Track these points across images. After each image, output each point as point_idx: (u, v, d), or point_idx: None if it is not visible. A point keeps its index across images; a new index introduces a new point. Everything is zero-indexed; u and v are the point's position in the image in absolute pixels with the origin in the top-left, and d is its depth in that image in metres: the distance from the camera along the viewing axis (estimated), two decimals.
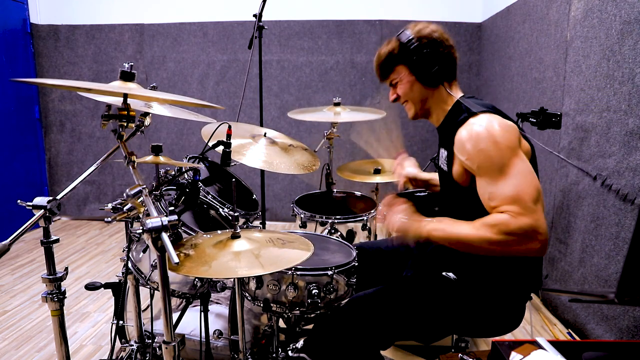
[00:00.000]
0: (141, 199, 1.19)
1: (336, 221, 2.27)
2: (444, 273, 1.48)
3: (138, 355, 1.81)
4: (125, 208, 1.22)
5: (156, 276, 1.47)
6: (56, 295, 1.15)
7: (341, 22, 4.17)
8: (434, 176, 1.84)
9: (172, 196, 1.74)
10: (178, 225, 1.50)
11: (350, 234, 2.51)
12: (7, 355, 2.23)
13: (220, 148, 1.69)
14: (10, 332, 2.44)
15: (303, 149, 2.23)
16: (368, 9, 4.18)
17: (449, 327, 1.51)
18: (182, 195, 1.68)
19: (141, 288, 1.78)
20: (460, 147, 1.33)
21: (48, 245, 1.14)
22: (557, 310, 2.52)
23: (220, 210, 1.81)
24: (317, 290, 1.52)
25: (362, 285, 1.65)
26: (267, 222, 3.48)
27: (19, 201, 1.16)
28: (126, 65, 1.28)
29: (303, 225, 2.36)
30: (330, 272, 1.53)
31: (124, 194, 1.19)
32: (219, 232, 1.49)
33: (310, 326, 1.98)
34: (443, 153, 1.47)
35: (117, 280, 1.88)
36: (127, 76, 1.27)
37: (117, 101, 1.32)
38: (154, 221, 1.01)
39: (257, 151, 2.01)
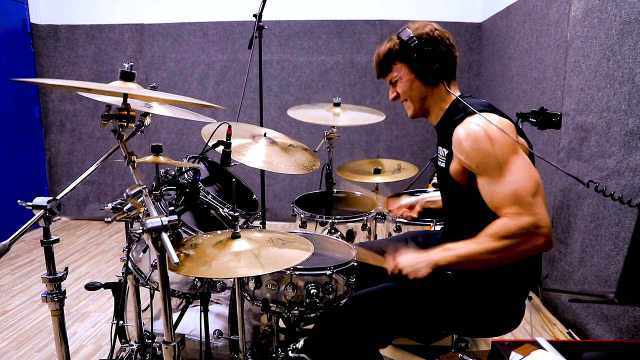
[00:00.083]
0: (141, 199, 1.19)
1: (336, 221, 2.27)
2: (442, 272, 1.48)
3: (138, 355, 1.81)
4: (125, 208, 1.22)
5: (156, 276, 1.47)
6: (56, 295, 1.16)
7: (341, 22, 4.17)
8: (433, 197, 1.88)
9: (172, 196, 1.74)
10: (178, 225, 1.50)
11: (350, 234, 2.51)
12: (7, 355, 2.23)
13: (220, 148, 1.69)
14: (10, 332, 2.44)
15: (303, 149, 2.23)
16: (368, 9, 4.18)
17: (447, 326, 1.51)
18: (182, 195, 1.68)
19: (141, 288, 1.78)
20: (458, 145, 1.33)
21: (48, 245, 1.14)
22: (557, 310, 2.52)
23: (220, 210, 1.81)
24: (315, 290, 1.52)
25: (361, 285, 1.65)
26: (267, 222, 3.48)
27: (19, 201, 1.16)
28: (126, 65, 1.28)
29: (303, 225, 2.36)
30: (329, 272, 1.54)
31: (124, 194, 1.19)
32: (219, 232, 1.49)
33: (310, 326, 1.98)
34: (441, 151, 1.47)
35: (117, 280, 1.88)
36: (127, 76, 1.27)
37: (117, 101, 1.32)
38: (154, 221, 1.01)
39: (257, 151, 2.01)
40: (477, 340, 2.26)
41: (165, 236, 1.01)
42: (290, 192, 4.40)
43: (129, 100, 1.26)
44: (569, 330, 2.36)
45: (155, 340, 1.83)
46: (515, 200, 1.21)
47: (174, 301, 2.10)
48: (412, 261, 1.35)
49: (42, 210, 1.10)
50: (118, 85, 1.25)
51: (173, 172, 1.62)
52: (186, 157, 1.89)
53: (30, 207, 1.11)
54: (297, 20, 4.19)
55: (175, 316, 1.81)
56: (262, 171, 2.81)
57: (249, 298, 1.62)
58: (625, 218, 1.92)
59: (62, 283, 1.17)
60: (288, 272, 1.52)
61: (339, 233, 2.35)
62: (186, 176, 1.71)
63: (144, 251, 1.61)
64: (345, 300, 1.58)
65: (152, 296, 1.73)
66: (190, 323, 1.92)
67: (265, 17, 2.64)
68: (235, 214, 1.38)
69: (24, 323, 2.53)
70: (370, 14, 4.17)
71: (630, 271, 0.79)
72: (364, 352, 1.43)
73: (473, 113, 1.33)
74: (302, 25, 4.20)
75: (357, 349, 1.42)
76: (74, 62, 4.37)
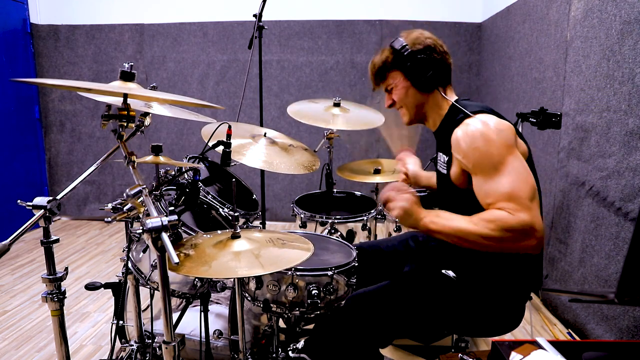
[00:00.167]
0: (141, 199, 1.19)
1: (336, 221, 2.27)
2: (443, 271, 1.48)
3: (138, 355, 1.81)
4: (125, 208, 1.22)
5: (156, 276, 1.47)
6: (56, 295, 1.15)
7: (341, 22, 4.17)
8: (433, 178, 1.84)
9: (172, 196, 1.74)
10: (178, 225, 1.50)
11: (350, 234, 2.51)
12: (7, 355, 2.23)
13: (220, 148, 1.69)
14: (10, 332, 2.44)
15: (303, 149, 2.23)
16: (368, 9, 4.18)
17: (448, 326, 1.51)
18: (182, 195, 1.68)
19: (141, 288, 1.78)
20: (456, 146, 1.33)
21: (48, 245, 1.14)
22: (557, 310, 2.52)
23: (220, 210, 1.81)
24: (317, 291, 1.52)
25: (362, 285, 1.65)
26: (267, 222, 3.48)
27: (19, 201, 1.16)
28: (126, 65, 1.28)
29: (303, 225, 2.36)
30: (330, 273, 1.54)
31: (124, 194, 1.19)
32: (219, 232, 1.49)
33: (311, 326, 1.98)
34: (441, 157, 1.47)
35: (117, 280, 1.88)
36: (127, 76, 1.27)
37: (117, 101, 1.33)
38: (154, 221, 1.01)
39: (257, 151, 2.01)
40: (477, 340, 2.26)
41: (165, 236, 1.01)
42: (290, 192, 4.40)
43: (129, 100, 1.26)
44: (569, 330, 2.36)
45: (155, 340, 1.83)
46: (513, 198, 1.21)
47: (174, 301, 2.10)
48: (404, 212, 1.33)
49: (42, 210, 1.10)
50: (118, 85, 1.25)
51: (173, 172, 1.62)
52: (186, 157, 1.89)
53: (30, 207, 1.11)
54: (297, 20, 4.19)
55: (175, 316, 1.81)
56: (262, 171, 2.81)
57: (249, 298, 1.62)
58: (626, 218, 1.92)
59: (62, 283, 1.17)
60: (289, 272, 1.52)
61: (339, 233, 2.34)
62: (186, 176, 1.71)
63: (144, 251, 1.61)
64: (345, 299, 1.58)
65: (152, 296, 1.73)
66: (190, 323, 1.92)
67: (265, 17, 2.64)
68: (235, 214, 1.38)
69: (24, 323, 2.53)
70: (370, 14, 4.17)
71: (630, 271, 0.79)
72: (364, 352, 1.44)
73: (472, 115, 1.33)
74: (302, 25, 4.20)
75: (358, 348, 1.42)
76: (74, 62, 4.37)
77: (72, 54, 4.36)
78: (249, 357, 1.72)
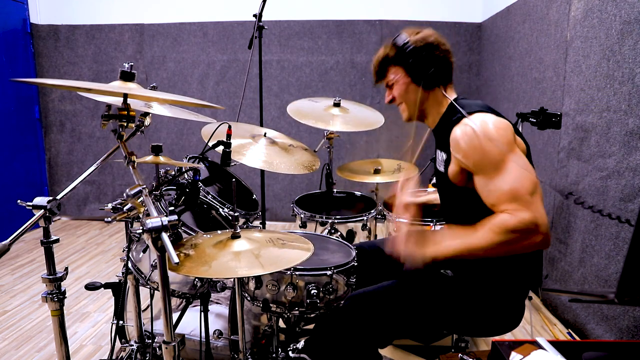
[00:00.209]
0: (141, 199, 1.19)
1: (336, 221, 2.27)
2: (442, 270, 1.48)
3: (138, 355, 1.81)
4: (125, 208, 1.22)
5: (156, 276, 1.47)
6: (56, 295, 1.16)
7: (341, 22, 4.17)
8: (431, 197, 1.88)
9: (172, 196, 1.74)
10: (178, 225, 1.50)
11: (350, 234, 2.51)
12: (7, 355, 2.23)
13: (220, 148, 1.69)
14: (10, 332, 2.44)
15: (303, 149, 2.23)
16: (368, 9, 4.18)
17: (447, 325, 1.51)
18: (182, 195, 1.68)
19: (141, 288, 1.78)
20: (455, 145, 1.34)
21: (48, 245, 1.14)
22: (557, 310, 2.52)
23: (220, 210, 1.81)
24: (316, 291, 1.52)
25: (361, 285, 1.65)
26: (267, 222, 3.48)
27: (19, 201, 1.16)
28: (126, 65, 1.28)
29: (303, 225, 2.36)
30: (329, 272, 1.54)
31: (124, 194, 1.19)
32: (219, 232, 1.49)
33: (311, 326, 1.98)
34: (440, 155, 1.47)
35: (117, 280, 1.88)
36: (127, 76, 1.27)
37: (117, 101, 1.33)
38: (154, 221, 1.01)
39: (257, 151, 2.01)
40: (477, 340, 2.26)
41: (165, 236, 1.01)
42: (290, 192, 4.40)
43: (129, 100, 1.26)
44: (569, 330, 2.36)
45: (155, 340, 1.83)
46: (514, 198, 1.22)
47: (174, 301, 2.10)
48: (409, 253, 1.34)
49: (42, 210, 1.10)
50: (118, 85, 1.25)
51: (173, 172, 1.62)
52: (186, 157, 1.89)
53: (30, 207, 1.11)
54: (297, 20, 4.19)
55: (175, 316, 1.81)
56: (262, 171, 2.81)
57: (249, 298, 1.62)
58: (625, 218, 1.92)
59: (62, 283, 1.17)
60: (288, 272, 1.52)
61: (339, 233, 2.35)
62: (186, 176, 1.71)
63: (144, 251, 1.61)
64: (344, 299, 1.58)
65: (152, 296, 1.73)
66: (190, 323, 1.92)
67: (265, 17, 2.64)
68: (235, 214, 1.38)
69: (24, 323, 2.53)
70: (370, 14, 4.17)
71: (630, 271, 0.79)
72: (363, 352, 1.44)
73: (470, 114, 1.34)
74: (302, 25, 4.20)
75: (356, 348, 1.42)
76: (74, 62, 4.37)
77: (72, 54, 4.36)
78: (249, 357, 1.72)
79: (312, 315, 1.62)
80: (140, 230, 1.18)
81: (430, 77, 1.44)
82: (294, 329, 1.80)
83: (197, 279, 1.63)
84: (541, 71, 2.75)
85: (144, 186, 1.19)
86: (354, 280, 1.62)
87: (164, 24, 4.27)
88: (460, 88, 1.54)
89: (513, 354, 1.22)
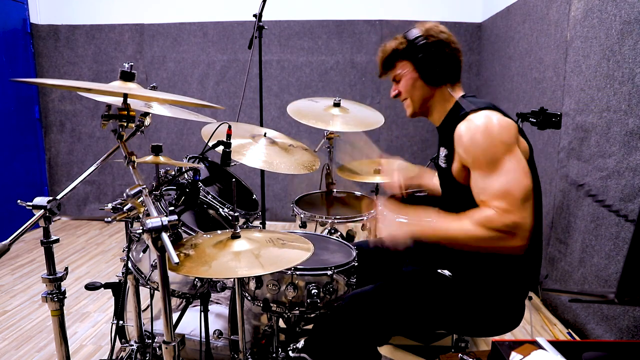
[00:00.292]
0: (141, 199, 1.19)
1: (336, 221, 2.27)
2: (439, 270, 1.48)
3: (138, 355, 1.81)
4: (125, 208, 1.22)
5: (156, 276, 1.47)
6: (56, 295, 1.16)
7: (341, 22, 4.17)
8: (425, 178, 1.86)
9: (172, 196, 1.74)
10: (178, 225, 1.50)
11: (350, 234, 2.51)
12: (7, 355, 2.23)
13: (220, 148, 1.69)
14: (10, 332, 2.44)
15: (303, 149, 2.23)
16: (368, 9, 4.18)
17: (446, 325, 1.51)
18: (182, 195, 1.68)
19: (141, 288, 1.77)
20: (458, 139, 1.34)
21: (48, 245, 1.14)
22: (557, 310, 2.52)
23: (220, 210, 1.81)
24: (316, 290, 1.52)
25: (361, 285, 1.65)
26: (267, 222, 3.48)
27: (19, 201, 1.16)
28: (126, 65, 1.28)
29: (303, 225, 2.36)
30: (329, 272, 1.53)
31: (124, 194, 1.19)
32: (219, 232, 1.49)
33: (311, 326, 1.98)
34: (442, 152, 1.47)
35: (117, 280, 1.88)
36: (127, 76, 1.27)
37: (117, 101, 1.32)
38: (154, 221, 1.01)
39: (257, 151, 2.01)
40: (477, 340, 2.26)
41: (165, 236, 1.01)
42: (290, 192, 4.40)
43: (129, 100, 1.26)
44: (569, 330, 2.36)
45: (155, 340, 1.83)
46: (504, 198, 1.22)
47: (174, 301, 2.10)
48: (392, 229, 1.36)
49: (42, 210, 1.10)
50: (118, 85, 1.25)
51: (173, 172, 1.62)
52: (186, 157, 1.89)
53: (30, 207, 1.11)
54: (297, 20, 4.19)
55: (175, 316, 1.81)
56: (262, 171, 2.81)
57: (249, 298, 1.62)
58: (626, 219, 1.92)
59: (62, 283, 1.17)
60: (289, 272, 1.52)
61: (339, 233, 2.35)
62: (186, 176, 1.71)
63: (144, 251, 1.61)
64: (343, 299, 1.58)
65: (152, 296, 1.72)
66: (190, 323, 1.92)
67: (265, 17, 2.64)
68: (235, 214, 1.38)
69: (24, 323, 2.53)
70: (370, 14, 4.17)
71: (630, 271, 0.79)
72: (361, 350, 1.43)
73: (476, 110, 1.33)
74: (302, 25, 4.20)
75: (355, 347, 1.42)
76: (74, 62, 4.37)
77: (72, 54, 4.36)
78: (249, 357, 1.72)
79: (313, 315, 1.62)
80: (140, 230, 1.18)
81: (438, 74, 1.43)
82: (294, 329, 1.80)
83: (197, 279, 1.63)
84: (541, 71, 2.75)
85: (144, 186, 1.19)
86: (354, 280, 1.62)
87: (164, 24, 4.27)
88: (463, 90, 1.53)
89: (513, 354, 1.22)
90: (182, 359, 1.89)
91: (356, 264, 1.63)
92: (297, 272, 1.52)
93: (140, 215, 1.21)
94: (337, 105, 2.50)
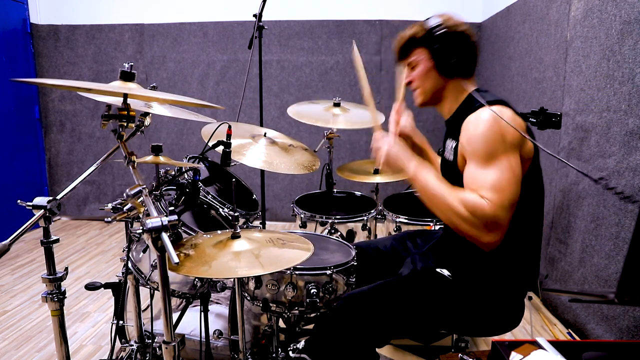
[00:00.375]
0: (141, 199, 1.19)
1: (336, 221, 2.27)
2: (438, 270, 1.48)
3: (138, 355, 1.81)
4: (125, 208, 1.22)
5: (156, 276, 1.47)
6: (56, 295, 1.15)
7: (341, 22, 4.17)
8: (428, 148, 1.84)
9: (172, 196, 1.74)
10: (178, 225, 1.50)
11: (350, 234, 2.51)
12: (7, 355, 2.23)
13: (220, 148, 1.69)
14: (10, 332, 2.44)
15: (303, 149, 2.23)
16: (368, 9, 4.17)
17: (445, 325, 1.51)
18: (182, 195, 1.68)
19: (141, 288, 1.78)
20: (464, 130, 1.33)
21: (48, 245, 1.14)
22: (557, 310, 2.52)
23: (220, 210, 1.81)
24: (316, 290, 1.52)
25: (361, 285, 1.65)
26: (267, 222, 3.48)
27: (19, 201, 1.16)
28: (126, 65, 1.28)
29: (303, 225, 2.36)
30: (329, 272, 1.54)
31: (124, 194, 1.19)
32: (219, 232, 1.49)
33: (311, 326, 1.98)
34: (449, 144, 1.46)
35: (117, 280, 1.88)
36: (127, 76, 1.27)
37: (117, 101, 1.33)
38: (154, 221, 1.01)
39: (257, 151, 2.01)
40: (477, 340, 2.26)
41: (165, 236, 1.01)
42: (290, 192, 4.40)
43: (129, 100, 1.27)
44: (569, 330, 2.35)
45: (155, 340, 1.83)
46: (497, 191, 1.21)
47: (174, 301, 2.10)
48: (394, 155, 1.38)
49: (42, 210, 1.10)
50: (118, 85, 1.26)
51: (173, 172, 1.62)
52: (186, 157, 1.89)
53: (30, 207, 1.11)
54: (297, 20, 4.19)
55: (175, 316, 1.81)
56: (262, 171, 2.81)
57: (249, 298, 1.62)
58: (625, 218, 1.92)
59: (62, 283, 1.17)
60: (288, 272, 1.52)
61: (339, 233, 2.35)
62: (186, 176, 1.71)
63: (144, 251, 1.61)
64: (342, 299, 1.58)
65: (152, 296, 1.73)
66: (190, 323, 1.92)
67: (265, 17, 2.64)
68: (235, 214, 1.38)
69: (24, 323, 2.53)
70: (370, 14, 4.17)
71: (630, 271, 0.79)
72: (359, 351, 1.43)
73: (492, 103, 1.32)
74: (302, 25, 4.20)
75: (353, 348, 1.42)
76: (74, 62, 4.37)
77: (72, 54, 4.36)
78: (249, 357, 1.72)
79: (312, 315, 1.62)
80: (140, 230, 1.18)
81: (453, 65, 1.42)
82: (294, 329, 1.80)
83: (197, 279, 1.63)
84: (541, 71, 2.75)
85: (144, 186, 1.19)
86: (353, 280, 1.62)
87: (164, 24, 4.27)
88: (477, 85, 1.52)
89: (513, 354, 1.22)
90: (182, 359, 1.89)
91: (355, 263, 1.63)
92: (296, 272, 1.52)
93: (140, 215, 1.21)
94: (337, 105, 2.51)
